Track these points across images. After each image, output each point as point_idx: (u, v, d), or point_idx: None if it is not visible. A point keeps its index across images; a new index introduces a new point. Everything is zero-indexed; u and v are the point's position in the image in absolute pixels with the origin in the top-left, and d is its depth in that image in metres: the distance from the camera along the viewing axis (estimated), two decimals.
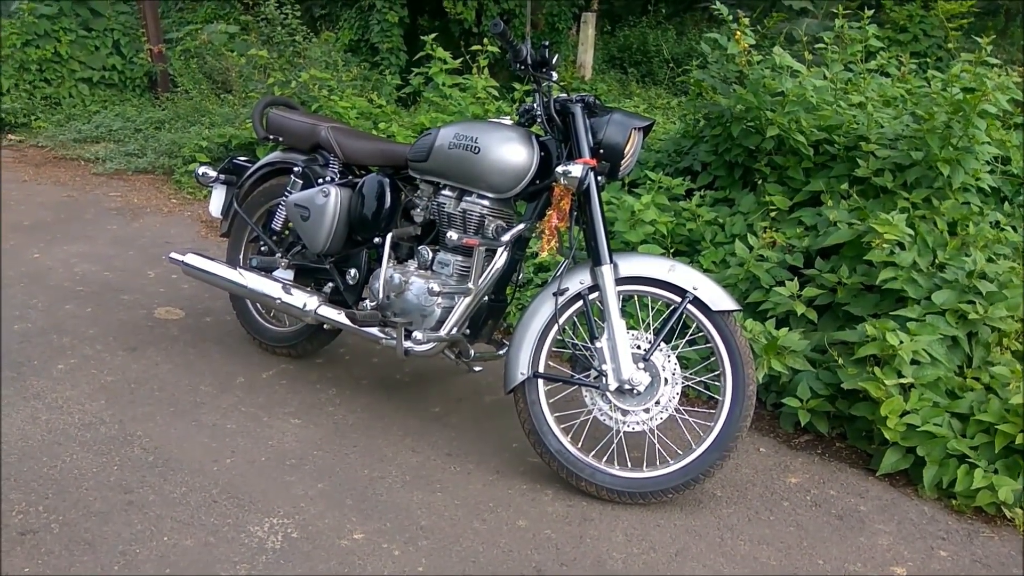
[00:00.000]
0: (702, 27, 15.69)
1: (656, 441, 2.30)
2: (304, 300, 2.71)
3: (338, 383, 2.92)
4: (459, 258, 2.50)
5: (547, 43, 2.35)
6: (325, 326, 2.77)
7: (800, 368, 2.64)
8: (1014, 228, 2.98)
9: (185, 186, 5.32)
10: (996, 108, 2.84)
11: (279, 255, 2.91)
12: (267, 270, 2.92)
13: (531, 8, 9.73)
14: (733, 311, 2.26)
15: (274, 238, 2.96)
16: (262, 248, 3.02)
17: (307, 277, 2.92)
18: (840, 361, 2.55)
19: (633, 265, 2.30)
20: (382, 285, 2.54)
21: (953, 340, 2.59)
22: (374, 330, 2.57)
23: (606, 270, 2.26)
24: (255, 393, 2.83)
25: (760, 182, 3.42)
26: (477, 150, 2.36)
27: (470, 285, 2.39)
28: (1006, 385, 2.47)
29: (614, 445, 2.31)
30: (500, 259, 2.41)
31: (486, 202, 2.44)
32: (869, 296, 2.82)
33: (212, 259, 3.02)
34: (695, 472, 2.22)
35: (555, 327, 2.33)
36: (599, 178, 2.31)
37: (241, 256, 3.14)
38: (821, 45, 3.69)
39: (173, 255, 3.08)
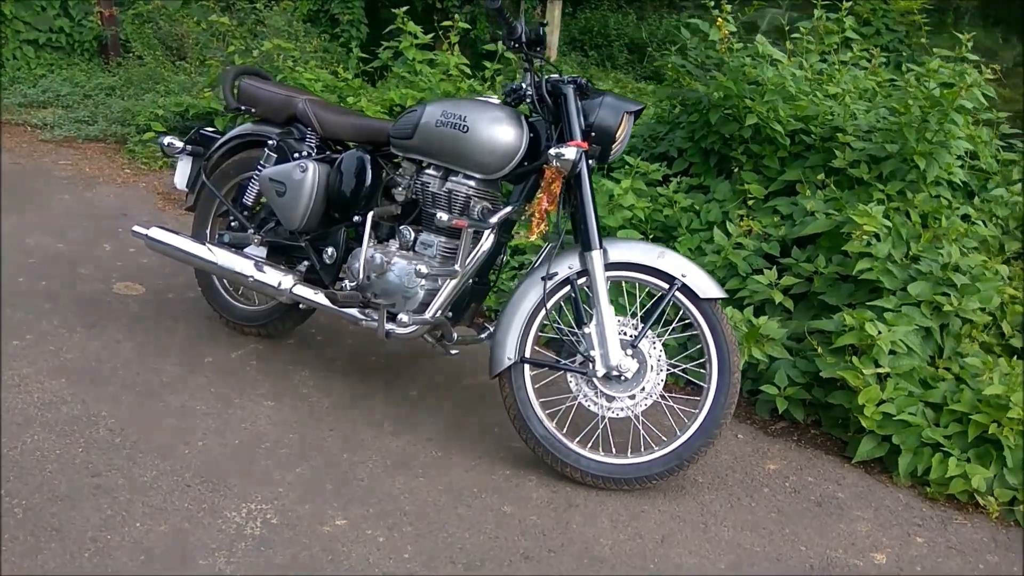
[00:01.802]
0: (662, 12, 15.75)
1: (641, 427, 2.29)
2: (279, 278, 2.62)
3: (311, 365, 2.84)
4: (443, 239, 2.45)
5: (544, 22, 2.30)
6: (301, 306, 2.68)
7: (778, 356, 2.67)
8: (983, 222, 3.04)
9: (139, 156, 5.12)
10: (973, 104, 2.89)
11: (251, 231, 2.81)
12: (238, 247, 2.81)
13: None
14: (719, 299, 2.26)
15: (245, 213, 2.86)
16: (232, 224, 2.91)
17: (280, 255, 2.82)
18: (819, 350, 2.58)
19: (622, 251, 2.28)
20: (362, 265, 2.47)
21: (926, 331, 2.65)
22: (353, 311, 2.50)
23: (596, 255, 2.23)
24: (224, 374, 2.73)
25: (736, 170, 3.43)
26: (465, 129, 2.31)
27: (456, 267, 2.34)
28: (976, 376, 2.53)
29: (599, 431, 2.29)
30: (487, 241, 2.36)
31: (472, 183, 2.39)
32: (844, 286, 2.86)
33: (178, 234, 2.90)
34: (680, 458, 2.22)
35: (542, 312, 2.30)
36: (590, 161, 2.27)
37: (208, 231, 3.03)
38: (797, 35, 3.71)
39: (137, 228, 2.95)
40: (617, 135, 2.27)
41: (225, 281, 3.01)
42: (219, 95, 5.23)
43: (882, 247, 2.75)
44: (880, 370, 2.47)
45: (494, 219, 2.33)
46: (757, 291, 2.86)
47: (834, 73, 3.56)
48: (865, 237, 2.69)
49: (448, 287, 2.36)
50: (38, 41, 6.99)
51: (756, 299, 2.86)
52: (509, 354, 2.27)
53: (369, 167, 2.56)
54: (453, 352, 2.62)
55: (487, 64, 5.09)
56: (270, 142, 2.74)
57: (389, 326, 2.40)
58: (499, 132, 2.30)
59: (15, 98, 6.16)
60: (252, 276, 2.66)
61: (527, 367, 2.30)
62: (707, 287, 2.24)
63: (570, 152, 2.15)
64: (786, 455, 2.53)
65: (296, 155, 2.69)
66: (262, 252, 2.78)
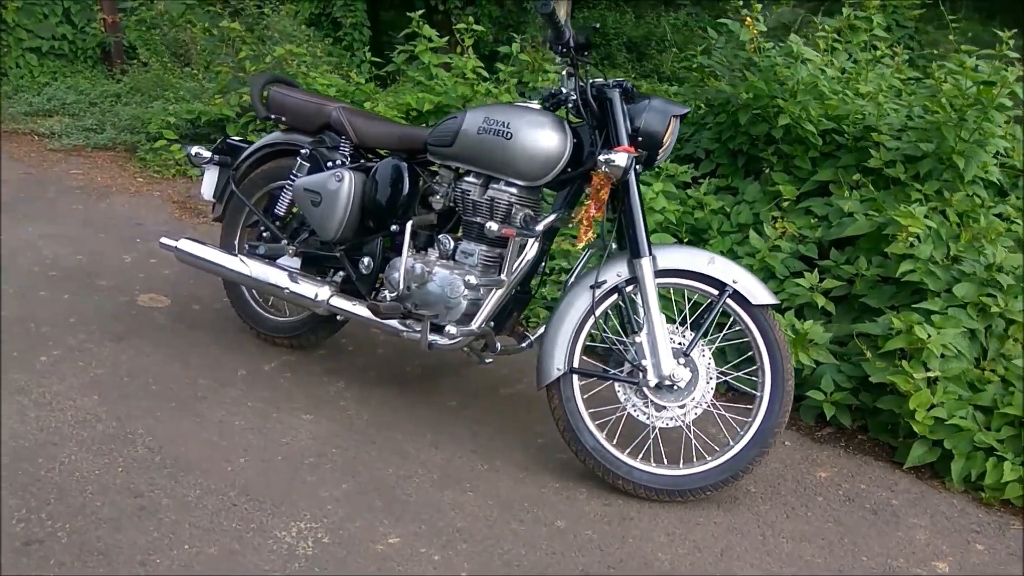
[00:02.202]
0: (659, 11, 15.73)
1: (692, 437, 2.25)
2: (315, 290, 2.58)
3: (345, 376, 2.79)
4: (484, 248, 2.40)
5: (596, 25, 2.26)
6: (339, 317, 2.63)
7: (823, 360, 2.63)
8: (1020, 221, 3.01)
9: (151, 164, 5.05)
10: (1013, 103, 2.86)
11: (285, 242, 2.75)
12: (271, 258, 2.76)
13: None
14: (771, 305, 2.22)
15: (277, 224, 2.80)
16: (263, 234, 2.86)
17: (312, 265, 2.77)
18: (867, 354, 2.54)
19: (672, 257, 2.24)
20: (402, 275, 2.42)
21: (971, 333, 2.61)
22: (394, 322, 2.45)
23: (646, 263, 2.19)
24: (259, 387, 2.68)
25: (767, 171, 3.39)
26: (509, 135, 2.26)
27: (503, 276, 2.29)
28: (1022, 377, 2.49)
29: (650, 442, 2.25)
30: (532, 250, 2.32)
31: (514, 190, 2.34)
32: (886, 288, 2.82)
33: (209, 245, 2.85)
34: (735, 468, 2.18)
35: (590, 321, 2.26)
36: (636, 167, 2.23)
37: (236, 242, 2.98)
38: (822, 33, 3.67)
39: (165, 240, 2.90)
40: (664, 139, 2.23)
41: (254, 292, 2.96)
42: (230, 101, 5.19)
43: (924, 248, 2.71)
44: (930, 374, 2.43)
45: (540, 227, 2.29)
46: (797, 294, 2.82)
47: (862, 71, 3.52)
48: (909, 238, 2.65)
49: (495, 297, 2.31)
50: (41, 49, 6.94)
51: (796, 303, 2.82)
52: (558, 364, 2.22)
53: (406, 175, 2.51)
54: (488, 361, 2.58)
55: (500, 67, 5.04)
56: (303, 151, 2.69)
57: (432, 337, 2.36)
58: (543, 138, 2.26)
59: (20, 107, 6.10)
60: (288, 288, 2.61)
61: (576, 377, 2.25)
62: (759, 293, 2.20)
63: (621, 158, 2.11)
64: (836, 462, 2.49)
65: (330, 164, 2.64)
66: (296, 263, 2.73)
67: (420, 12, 4.67)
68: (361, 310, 2.50)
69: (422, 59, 4.65)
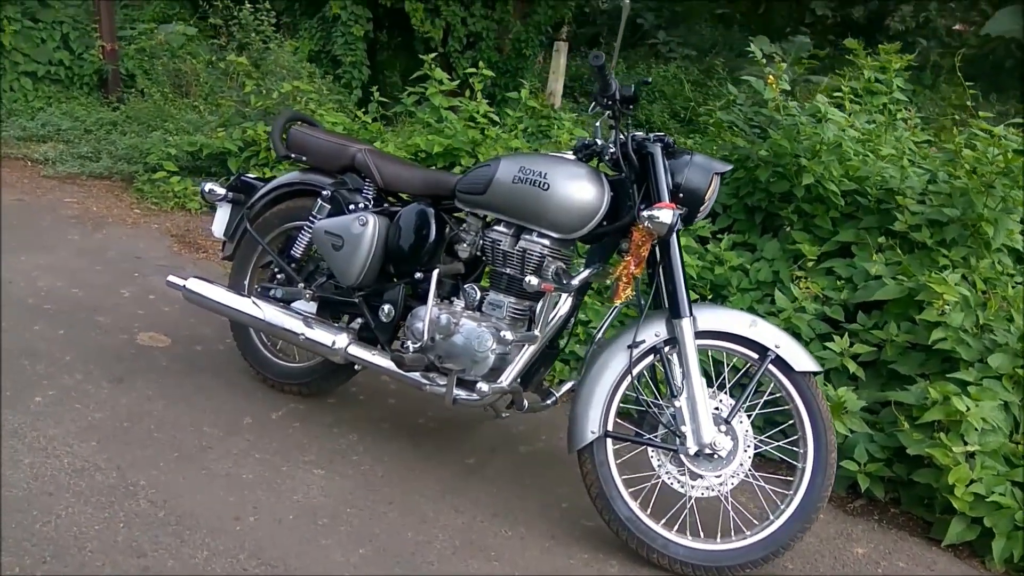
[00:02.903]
0: (649, 62, 15.98)
1: (730, 508, 2.15)
2: (332, 337, 2.46)
3: (357, 427, 2.67)
4: (512, 300, 2.31)
5: (647, 79, 2.21)
6: (356, 367, 2.52)
7: (856, 429, 2.55)
8: None
9: (148, 195, 4.94)
10: None
11: (301, 285, 2.64)
12: (285, 301, 2.65)
13: (498, 33, 9.63)
14: (815, 372, 2.14)
15: (292, 266, 2.70)
16: (277, 276, 2.75)
17: (328, 311, 2.67)
18: (904, 425, 2.46)
19: (712, 318, 2.16)
20: (427, 325, 2.32)
21: (1005, 405, 2.55)
22: (416, 375, 2.34)
23: (686, 324, 2.11)
24: (267, 437, 2.55)
25: (788, 228, 3.34)
26: (546, 186, 2.19)
27: (536, 332, 2.20)
28: None
29: (685, 512, 2.14)
30: (565, 304, 2.24)
31: (547, 242, 2.26)
32: (915, 354, 2.76)
33: (219, 285, 2.74)
34: (776, 544, 2.08)
35: (626, 382, 2.17)
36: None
37: (247, 282, 2.86)
38: (839, 93, 3.67)
39: (172, 279, 2.77)
40: (706, 197, 2.17)
41: (262, 335, 2.84)
42: (232, 135, 5.11)
43: (956, 316, 2.66)
44: (969, 448, 2.35)
45: (576, 281, 2.20)
46: (825, 359, 2.74)
47: (880, 134, 3.52)
48: (944, 307, 2.59)
49: (527, 352, 2.22)
50: (36, 73, 6.84)
51: (824, 367, 2.75)
52: (592, 428, 2.12)
53: (433, 222, 2.43)
54: (504, 415, 2.47)
55: (508, 111, 5.02)
56: (324, 192, 2.60)
57: (458, 392, 2.25)
58: (581, 190, 2.18)
59: (13, 131, 5.98)
60: (303, 334, 2.50)
61: (610, 441, 2.15)
62: (802, 359, 2.12)
63: (666, 215, 2.03)
64: (871, 537, 2.39)
65: (352, 207, 2.55)
66: (311, 308, 2.62)
67: (432, 56, 4.64)
68: (382, 361, 2.40)
69: (432, 101, 4.60)
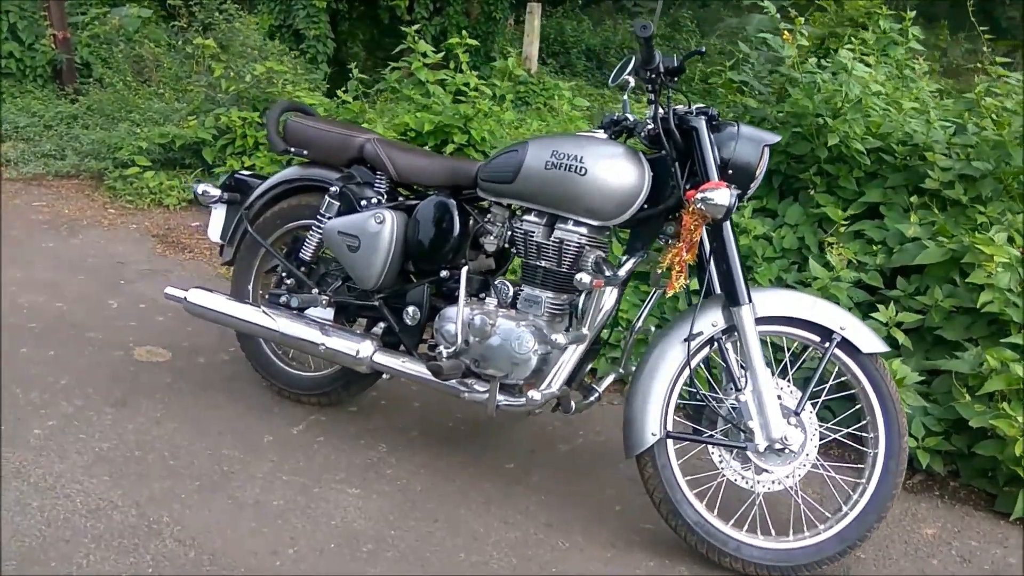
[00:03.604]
0: (616, 18, 15.68)
1: (800, 502, 2.03)
2: (356, 346, 2.29)
3: (385, 438, 2.50)
4: (550, 295, 2.14)
5: (702, 49, 2.03)
6: (385, 376, 2.35)
7: (912, 403, 2.44)
8: None
9: (122, 193, 4.66)
10: None
11: (316, 291, 2.45)
12: (299, 308, 2.46)
13: None
14: (883, 353, 2.01)
15: (303, 270, 2.50)
16: (285, 281, 2.55)
17: (344, 315, 2.49)
18: (965, 396, 2.36)
19: (770, 303, 2.02)
20: (460, 328, 2.15)
21: None
22: (453, 381, 2.18)
23: (746, 311, 1.96)
24: (291, 455, 2.38)
25: (811, 191, 3.20)
26: (583, 171, 2.01)
27: (585, 330, 2.04)
28: None
29: (755, 510, 2.02)
30: (611, 298, 2.08)
31: (584, 230, 2.09)
32: (959, 318, 2.65)
33: (223, 295, 2.54)
34: (852, 538, 1.96)
35: (684, 377, 2.02)
36: None
37: (251, 288, 2.66)
38: (850, 45, 3.51)
39: (171, 291, 2.57)
40: (757, 172, 2.01)
41: (273, 344, 2.65)
42: (205, 123, 4.83)
43: (1003, 277, 2.55)
44: None
45: (623, 272, 2.04)
46: (875, 330, 2.62)
47: (899, 87, 3.37)
48: (996, 268, 2.48)
49: (577, 352, 2.06)
50: None
51: None
52: (652, 429, 1.97)
53: (456, 214, 2.24)
54: (537, 411, 2.32)
55: (496, 83, 4.79)
56: (332, 188, 2.40)
57: (502, 398, 2.09)
58: (621, 173, 2.01)
59: None
60: (323, 344, 2.31)
61: (671, 442, 2.01)
62: (869, 340, 1.99)
63: (722, 195, 1.86)
64: (938, 515, 2.30)
65: (364, 202, 2.36)
66: (329, 314, 2.44)
67: (415, 28, 4.40)
68: (415, 369, 2.23)
69: (417, 76, 4.37)
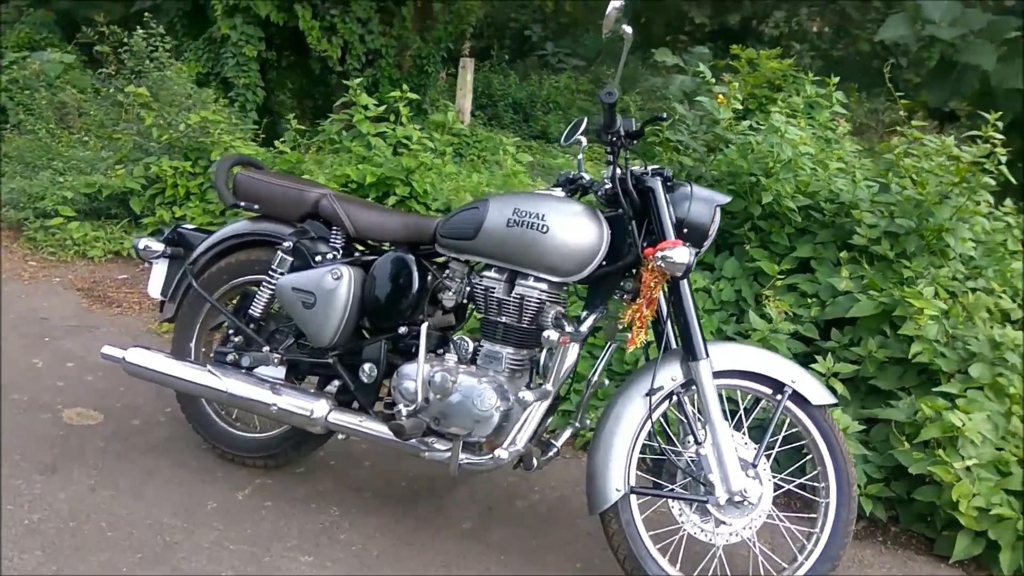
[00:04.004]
0: (541, 74, 16.08)
1: (758, 553, 2.06)
2: (311, 406, 2.23)
3: (336, 500, 2.43)
4: (510, 350, 2.15)
5: (663, 115, 2.10)
6: (340, 436, 2.29)
7: (854, 451, 2.52)
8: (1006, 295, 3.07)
9: (43, 245, 4.46)
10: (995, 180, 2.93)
11: (267, 349, 2.39)
12: (248, 368, 2.39)
13: (397, 49, 9.41)
14: (831, 405, 2.09)
15: (251, 327, 2.44)
16: (232, 338, 2.47)
17: (296, 374, 2.43)
18: (905, 444, 2.46)
19: (724, 356, 2.07)
20: (420, 385, 2.12)
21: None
22: (413, 440, 2.14)
23: (704, 366, 2.01)
24: (237, 522, 2.28)
25: (747, 246, 3.32)
26: (546, 228, 2.04)
27: (549, 386, 2.05)
28: None
29: (715, 563, 2.04)
30: (573, 353, 2.10)
31: (544, 286, 2.12)
32: (892, 368, 2.78)
33: (164, 354, 2.45)
34: None
35: (645, 432, 2.05)
36: None
37: (192, 346, 2.57)
38: (774, 107, 3.70)
39: (108, 351, 2.46)
40: (710, 231, 2.08)
41: (216, 405, 2.56)
42: (133, 173, 4.69)
43: (931, 328, 2.69)
44: (967, 463, 2.37)
45: (584, 328, 2.07)
46: None
47: (824, 147, 3.56)
48: (926, 321, 2.62)
49: (541, 408, 2.06)
50: None
51: None
52: (616, 485, 1.98)
53: (415, 270, 2.24)
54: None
55: (436, 135, 4.83)
56: (285, 243, 2.36)
57: (465, 458, 2.07)
58: (581, 231, 2.05)
59: None
60: (275, 405, 2.25)
61: (634, 498, 2.02)
62: (819, 393, 2.07)
63: (681, 255, 1.92)
64: (882, 561, 2.37)
65: (318, 258, 2.33)
66: (280, 372, 2.37)
67: (358, 82, 4.41)
68: (374, 428, 2.19)
69: (359, 128, 4.37)
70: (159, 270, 2.58)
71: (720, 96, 3.37)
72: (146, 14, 5.48)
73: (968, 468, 2.39)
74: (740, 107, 3.43)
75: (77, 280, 4.09)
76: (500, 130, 10.92)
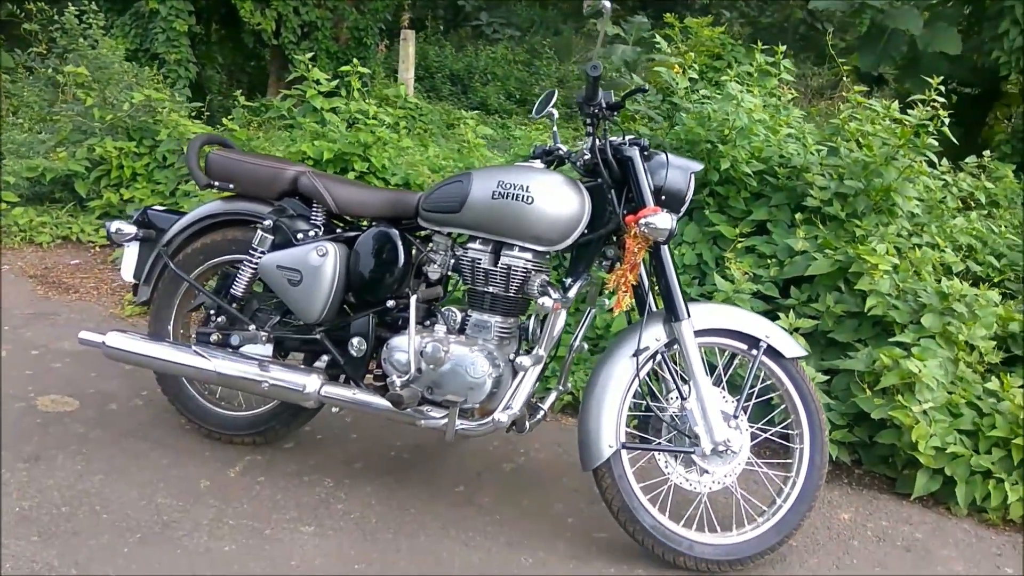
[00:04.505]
0: (476, 44, 15.97)
1: (740, 498, 2.19)
2: (303, 380, 2.26)
3: (329, 472, 2.47)
4: (498, 318, 2.22)
5: (644, 87, 2.16)
6: (335, 409, 2.32)
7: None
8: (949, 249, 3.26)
9: None
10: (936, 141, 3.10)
11: (253, 327, 2.40)
12: (234, 347, 2.40)
13: (334, 21, 9.25)
14: (802, 357, 2.22)
15: (234, 306, 2.44)
16: (214, 319, 2.47)
17: (281, 351, 2.44)
18: (867, 392, 2.62)
19: (704, 316, 2.18)
20: (412, 356, 2.18)
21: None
22: (409, 410, 2.20)
23: (686, 326, 2.11)
24: (234, 499, 2.30)
25: (706, 211, 3.45)
26: (530, 200, 2.10)
27: (541, 351, 2.12)
28: (991, 399, 2.67)
29: (701, 510, 2.17)
30: (561, 319, 2.17)
31: (529, 255, 2.19)
32: (848, 322, 2.95)
33: (147, 338, 2.43)
34: (788, 528, 2.14)
35: (632, 390, 2.14)
36: None
37: (171, 329, 2.56)
38: (725, 77, 3.81)
39: (85, 336, 2.44)
40: (686, 197, 2.17)
41: (197, 384, 2.56)
42: (76, 155, 4.55)
43: (883, 283, 2.86)
44: (926, 406, 2.54)
45: (571, 293, 2.15)
46: None
47: (773, 114, 3.69)
48: (882, 275, 2.78)
49: (535, 372, 2.14)
50: None
51: None
52: (609, 442, 2.08)
53: (400, 244, 2.27)
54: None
55: (390, 109, 4.82)
56: (265, 222, 2.36)
57: (462, 424, 2.14)
58: (564, 201, 2.12)
59: None
60: (267, 382, 2.27)
61: (625, 453, 2.12)
62: (791, 346, 2.20)
63: (663, 220, 2.01)
64: (850, 501, 2.54)
65: (300, 235, 2.34)
66: (268, 350, 2.39)
67: (310, 55, 4.35)
68: (368, 399, 2.23)
69: (312, 103, 4.32)
70: (131, 253, 2.56)
71: (675, 66, 3.46)
72: None
73: (924, 411, 2.57)
74: (697, 77, 3.52)
75: (28, 267, 3.97)
76: (439, 102, 10.86)
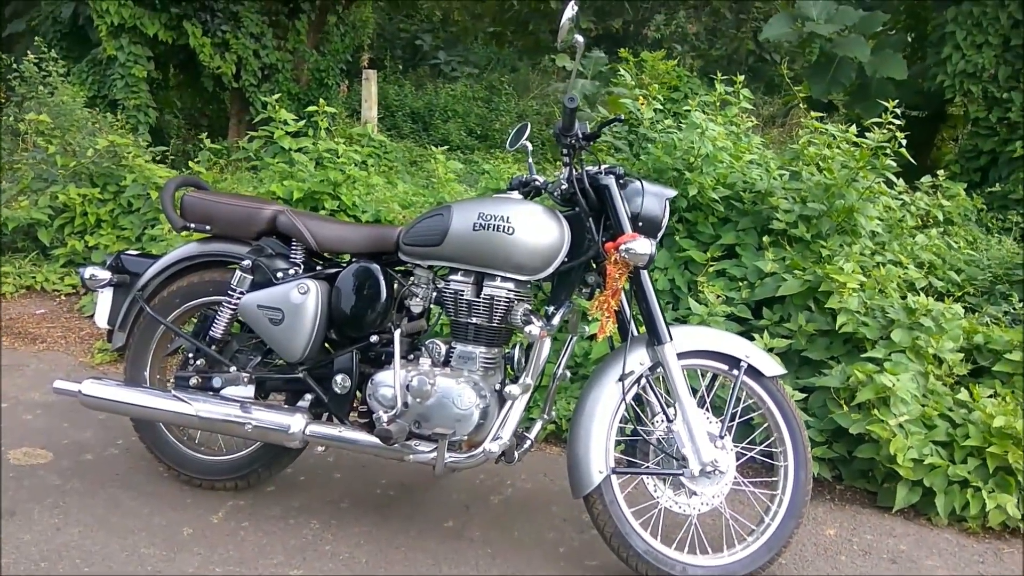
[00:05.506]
0: (435, 82, 16.12)
1: (728, 518, 2.21)
2: (287, 421, 2.24)
3: (315, 513, 2.44)
4: (483, 349, 2.23)
5: (620, 117, 2.21)
6: (320, 449, 2.30)
7: None
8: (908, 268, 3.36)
9: None
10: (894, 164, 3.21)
11: (233, 368, 2.37)
12: (214, 389, 2.37)
13: (294, 63, 9.28)
14: (782, 376, 2.27)
15: (213, 348, 2.41)
16: (193, 362, 2.44)
17: (262, 392, 2.42)
18: (844, 407, 2.67)
19: (685, 338, 2.22)
20: (399, 390, 2.17)
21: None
22: (397, 445, 2.18)
23: (669, 349, 2.14)
24: (218, 545, 2.26)
25: (676, 237, 3.51)
26: (511, 230, 2.13)
27: (528, 380, 2.13)
28: (962, 410, 2.74)
29: (692, 532, 2.18)
30: (546, 346, 2.19)
31: (511, 285, 2.21)
32: (819, 340, 3.01)
33: (124, 385, 2.40)
34: (777, 545, 2.16)
35: (619, 415, 2.16)
36: None
37: (147, 374, 2.52)
38: (687, 108, 3.91)
39: (60, 385, 2.39)
40: (662, 223, 2.22)
41: (173, 429, 2.52)
42: (38, 203, 4.48)
43: (852, 301, 2.93)
44: (902, 419, 2.60)
45: (556, 321, 2.17)
46: None
47: (736, 141, 3.79)
48: (851, 294, 2.85)
49: (523, 401, 2.15)
50: None
51: None
52: (599, 467, 2.09)
53: (382, 279, 2.28)
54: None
55: (357, 148, 4.83)
56: (244, 262, 2.35)
57: (451, 457, 2.13)
58: (544, 230, 2.15)
59: None
60: (250, 423, 2.24)
61: (614, 478, 2.13)
62: (770, 365, 2.24)
63: (643, 246, 2.06)
64: (834, 517, 2.57)
65: (280, 274, 2.33)
66: (249, 391, 2.36)
67: (276, 97, 4.37)
68: (355, 436, 2.21)
69: (280, 144, 4.33)
70: (105, 298, 2.52)
71: (641, 98, 3.54)
72: (36, 38, 5.22)
73: (900, 424, 2.63)
74: (661, 108, 3.61)
75: None
76: (401, 140, 10.93)
